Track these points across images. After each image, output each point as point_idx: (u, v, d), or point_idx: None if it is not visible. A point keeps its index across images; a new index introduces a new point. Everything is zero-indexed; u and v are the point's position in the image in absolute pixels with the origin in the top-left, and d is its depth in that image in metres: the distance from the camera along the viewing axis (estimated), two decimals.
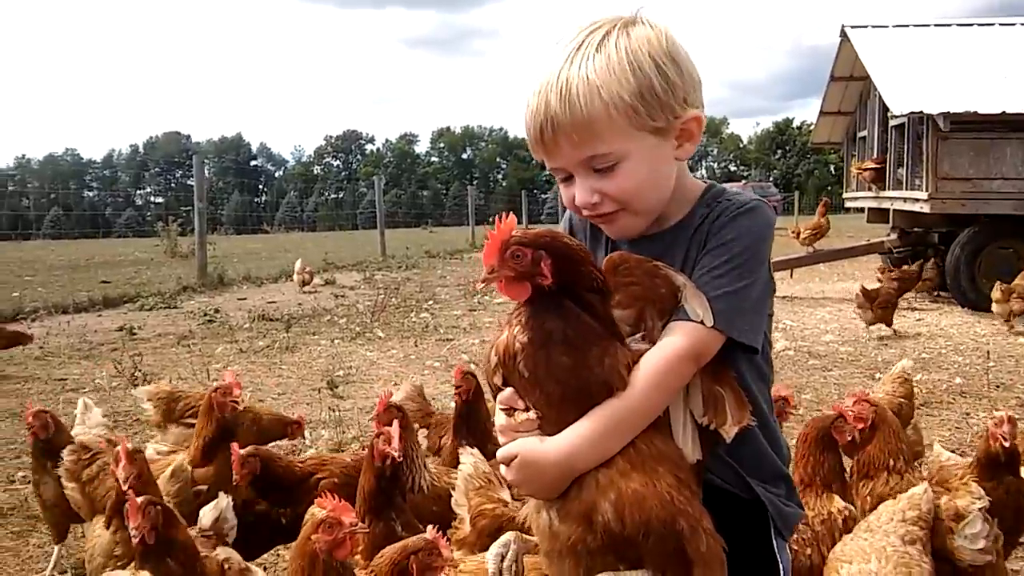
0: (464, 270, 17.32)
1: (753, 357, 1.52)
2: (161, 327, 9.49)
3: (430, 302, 11.52)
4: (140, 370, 5.38)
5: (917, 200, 10.21)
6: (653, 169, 1.54)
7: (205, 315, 10.14)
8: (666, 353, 1.39)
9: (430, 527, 2.24)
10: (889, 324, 8.27)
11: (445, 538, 2.23)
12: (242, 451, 2.92)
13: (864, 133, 13.07)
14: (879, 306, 8.21)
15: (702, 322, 1.40)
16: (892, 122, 11.37)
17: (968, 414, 5.19)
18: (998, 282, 8.80)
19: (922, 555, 2.38)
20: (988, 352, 6.91)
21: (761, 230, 1.52)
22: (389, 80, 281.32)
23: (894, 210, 11.42)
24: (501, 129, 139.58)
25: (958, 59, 11.28)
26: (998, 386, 5.78)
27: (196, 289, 13.20)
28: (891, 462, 2.80)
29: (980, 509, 2.50)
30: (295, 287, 13.55)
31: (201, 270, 14.14)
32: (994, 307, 8.56)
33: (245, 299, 12.32)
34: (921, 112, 9.71)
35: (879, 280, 9.99)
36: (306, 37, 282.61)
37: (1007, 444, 2.79)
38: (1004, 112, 9.45)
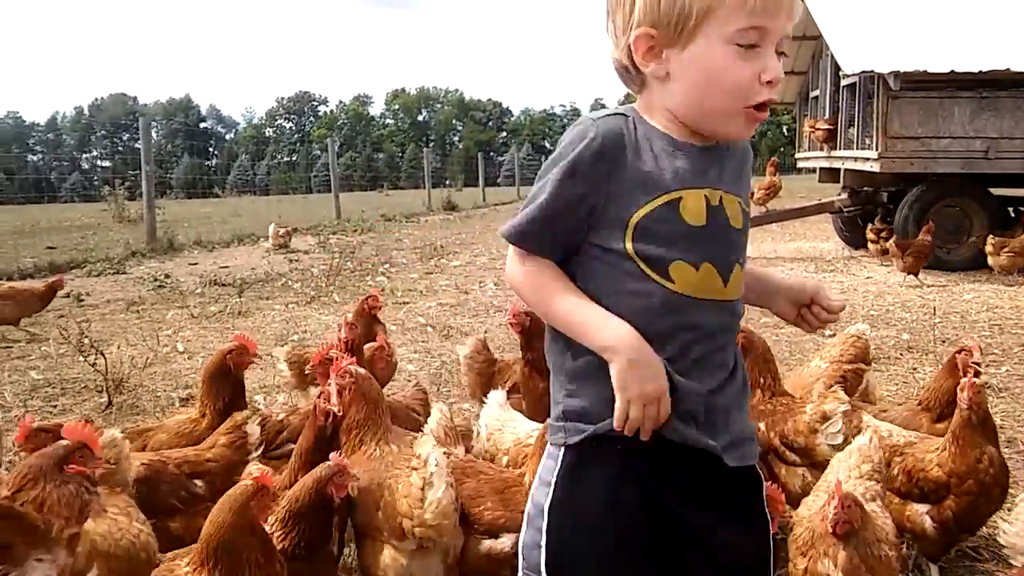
0: (421, 233, 17.21)
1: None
2: (110, 293, 9.30)
3: (386, 266, 11.44)
4: (88, 337, 5.25)
5: (867, 159, 10.33)
6: None
7: (155, 280, 9.94)
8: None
9: (333, 454, 2.44)
10: (916, 274, 8.90)
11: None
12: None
13: (816, 93, 13.16)
14: (911, 255, 8.82)
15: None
16: (844, 82, 11.46)
17: (915, 369, 5.31)
18: (990, 236, 9.07)
19: (884, 510, 2.47)
20: (934, 308, 7.06)
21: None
22: (342, 40, 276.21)
23: (845, 170, 11.57)
24: (457, 90, 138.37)
25: (908, 18, 11.36)
26: (944, 341, 5.92)
27: (145, 254, 12.94)
28: (760, 380, 3.16)
29: (842, 412, 2.88)
30: (259, 251, 13.33)
31: (150, 235, 13.84)
32: (989, 260, 9.12)
33: (196, 264, 12.11)
34: (872, 71, 9.79)
35: (870, 238, 10.63)
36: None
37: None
38: (953, 71, 9.57)
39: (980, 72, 9.48)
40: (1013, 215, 10.50)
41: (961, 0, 11.94)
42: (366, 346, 4.01)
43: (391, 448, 2.58)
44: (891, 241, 9.34)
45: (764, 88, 1.41)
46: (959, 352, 3.23)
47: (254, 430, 3.03)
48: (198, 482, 2.81)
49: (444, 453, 2.49)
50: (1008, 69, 9.42)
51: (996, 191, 10.49)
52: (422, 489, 2.33)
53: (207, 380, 3.32)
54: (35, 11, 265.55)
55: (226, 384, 3.29)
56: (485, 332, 6.71)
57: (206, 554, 2.05)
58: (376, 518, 2.43)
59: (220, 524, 2.07)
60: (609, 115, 1.52)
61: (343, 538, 2.63)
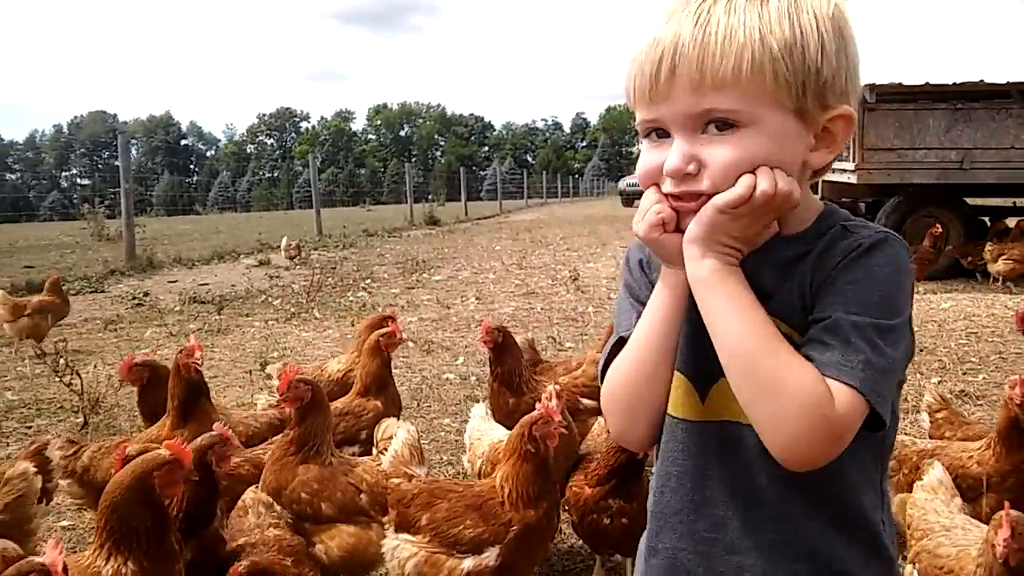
0: (403, 248, 17.19)
1: (875, 434, 1.16)
2: (87, 312, 9.21)
3: (367, 281, 11.40)
4: (64, 357, 5.20)
5: (845, 171, 10.43)
6: (776, 153, 1.18)
7: (134, 298, 9.86)
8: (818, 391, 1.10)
9: (216, 424, 2.65)
10: (919, 280, 8.99)
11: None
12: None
13: None
14: (915, 263, 8.72)
15: (849, 384, 1.09)
16: None
17: None
18: (988, 243, 9.16)
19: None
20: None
21: (906, 266, 1.19)
22: (324, 56, 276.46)
23: (823, 181, 11.67)
24: (439, 105, 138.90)
25: (883, 30, 11.51)
26: (921, 350, 5.96)
27: (124, 272, 12.83)
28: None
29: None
30: (240, 267, 13.25)
31: (129, 253, 13.74)
32: (988, 267, 9.23)
33: (176, 281, 12.02)
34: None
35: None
36: (237, 12, 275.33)
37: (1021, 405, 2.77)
38: (927, 83, 9.69)
39: (954, 84, 9.60)
40: (988, 224, 10.62)
41: (933, 13, 12.14)
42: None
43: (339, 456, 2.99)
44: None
45: (667, 178, 1.21)
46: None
47: (54, 455, 3.13)
48: None
49: (407, 473, 2.77)
50: (982, 80, 9.55)
51: (972, 201, 10.61)
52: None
53: (170, 383, 3.54)
54: (13, 28, 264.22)
55: (182, 383, 3.49)
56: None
57: (99, 517, 2.04)
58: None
59: (116, 484, 2.06)
60: None
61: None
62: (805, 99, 1.18)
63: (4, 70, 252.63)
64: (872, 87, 9.66)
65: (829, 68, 1.18)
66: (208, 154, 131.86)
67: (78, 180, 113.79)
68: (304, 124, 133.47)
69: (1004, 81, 9.46)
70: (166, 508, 2.14)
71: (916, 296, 8.62)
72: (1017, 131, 9.67)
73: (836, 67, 1.19)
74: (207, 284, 11.49)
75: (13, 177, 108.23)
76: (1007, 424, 2.78)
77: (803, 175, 1.24)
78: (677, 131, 1.19)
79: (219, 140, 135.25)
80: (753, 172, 1.15)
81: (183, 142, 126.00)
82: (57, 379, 5.23)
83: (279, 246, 15.18)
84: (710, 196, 1.17)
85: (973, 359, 5.79)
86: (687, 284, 1.22)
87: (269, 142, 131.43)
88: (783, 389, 1.10)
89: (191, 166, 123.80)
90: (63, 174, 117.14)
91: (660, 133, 1.23)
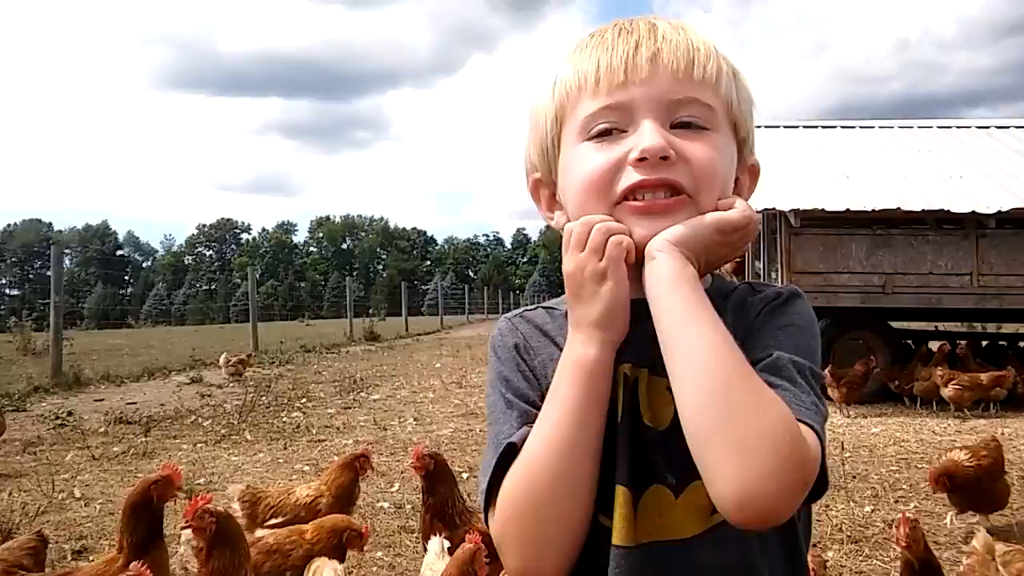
0: (341, 364, 16.98)
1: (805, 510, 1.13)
2: (7, 433, 8.78)
3: (303, 400, 11.18)
4: None
5: None
6: (728, 176, 1.12)
7: (57, 418, 9.46)
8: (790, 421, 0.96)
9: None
10: (850, 404, 9.39)
11: None
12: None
13: None
14: (845, 385, 9.31)
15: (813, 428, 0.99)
16: None
17: (828, 506, 5.36)
18: (938, 368, 9.40)
19: None
20: (843, 443, 7.23)
21: (813, 318, 1.14)
22: (267, 168, 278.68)
23: None
24: (382, 219, 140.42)
25: (805, 158, 12.15)
26: (854, 477, 6.03)
27: (49, 390, 12.36)
28: None
29: None
30: (171, 385, 12.89)
31: (55, 369, 13.28)
32: (941, 391, 9.28)
33: (103, 400, 11.61)
34: (774, 208, 10.32)
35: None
36: (181, 123, 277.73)
37: (909, 547, 2.80)
38: (848, 209, 10.17)
39: (873, 210, 10.10)
40: (913, 347, 10.98)
41: (850, 143, 12.90)
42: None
43: None
44: (826, 370, 9.55)
45: (631, 169, 1.06)
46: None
47: None
48: None
49: None
50: (899, 208, 10.07)
51: (896, 324, 10.99)
52: None
53: (126, 511, 3.19)
54: None
55: (144, 517, 3.15)
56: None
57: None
58: None
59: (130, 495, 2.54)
60: None
61: None
62: (747, 132, 1.16)
63: None
64: (796, 212, 10.09)
65: (752, 117, 1.19)
66: (144, 265, 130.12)
67: (7, 290, 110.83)
68: (245, 235, 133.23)
69: (920, 208, 9.97)
70: (160, 518, 2.46)
71: (847, 420, 8.83)
72: (934, 256, 10.16)
73: (753, 120, 1.19)
74: (135, 403, 11.11)
75: None
76: (903, 567, 2.80)
77: None
78: (648, 117, 1.06)
79: (157, 251, 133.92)
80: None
81: (119, 252, 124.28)
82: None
83: (214, 363, 14.87)
84: (689, 197, 1.06)
85: (904, 486, 5.87)
86: (607, 360, 1.04)
87: (208, 253, 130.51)
88: (761, 411, 0.92)
89: (126, 277, 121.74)
90: None
91: (609, 132, 1.08)
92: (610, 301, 1.03)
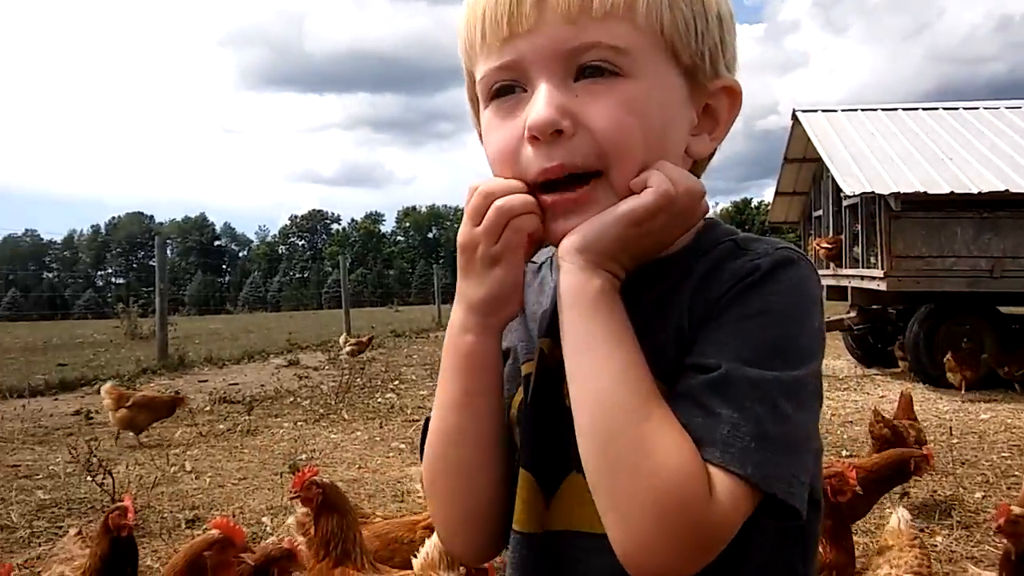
0: (430, 349, 17.24)
1: (790, 525, 0.84)
2: (120, 411, 9.26)
3: (396, 382, 11.43)
4: (96, 456, 5.23)
5: (874, 278, 10.43)
6: (666, 124, 0.90)
7: None
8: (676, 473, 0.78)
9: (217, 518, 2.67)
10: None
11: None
12: None
13: (819, 212, 13.43)
14: (969, 369, 9.12)
15: (724, 466, 0.79)
16: (845, 202, 11.71)
17: (935, 491, 5.21)
18: (950, 352, 9.10)
19: None
20: (951, 429, 6.98)
21: (814, 292, 0.89)
22: (355, 161, 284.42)
23: (852, 288, 11.67)
24: None
25: (905, 141, 11.72)
26: (963, 463, 5.83)
27: (156, 371, 12.96)
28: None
29: None
30: (269, 367, 13.36)
31: (161, 351, 13.91)
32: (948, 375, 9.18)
33: (206, 381, 12.11)
34: (872, 192, 10.00)
35: (898, 355, 10.84)
36: (272, 119, 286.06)
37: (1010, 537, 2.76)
38: (953, 192, 9.77)
39: (979, 193, 9.68)
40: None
41: (952, 125, 12.37)
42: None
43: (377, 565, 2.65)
44: (948, 356, 9.28)
45: (529, 149, 0.88)
46: None
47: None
48: None
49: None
50: (1007, 190, 9.62)
51: (1004, 309, 10.52)
52: None
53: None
54: (57, 133, 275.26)
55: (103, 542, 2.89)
56: None
57: None
58: None
59: (174, 563, 2.26)
60: None
61: None
62: (701, 54, 0.91)
63: (46, 171, 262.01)
64: (897, 196, 9.76)
65: (726, 24, 0.94)
66: (241, 254, 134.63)
67: (113, 279, 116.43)
68: (335, 226, 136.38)
69: None
70: None
71: (956, 406, 8.50)
72: None
73: (730, 27, 0.95)
74: (237, 384, 11.56)
75: (50, 275, 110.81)
76: (1003, 556, 2.72)
77: (684, 167, 0.93)
78: (544, 75, 0.87)
79: (252, 241, 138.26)
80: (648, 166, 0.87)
81: (216, 242, 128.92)
82: (89, 479, 5.25)
83: (309, 346, 15.31)
84: (599, 183, 0.87)
85: (1016, 473, 5.64)
86: (488, 345, 0.94)
87: (300, 243, 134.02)
88: (641, 466, 0.78)
89: (224, 266, 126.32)
90: (99, 273, 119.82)
91: (511, 89, 0.90)
92: (497, 289, 0.90)
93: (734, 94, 0.96)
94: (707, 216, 0.96)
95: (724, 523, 0.79)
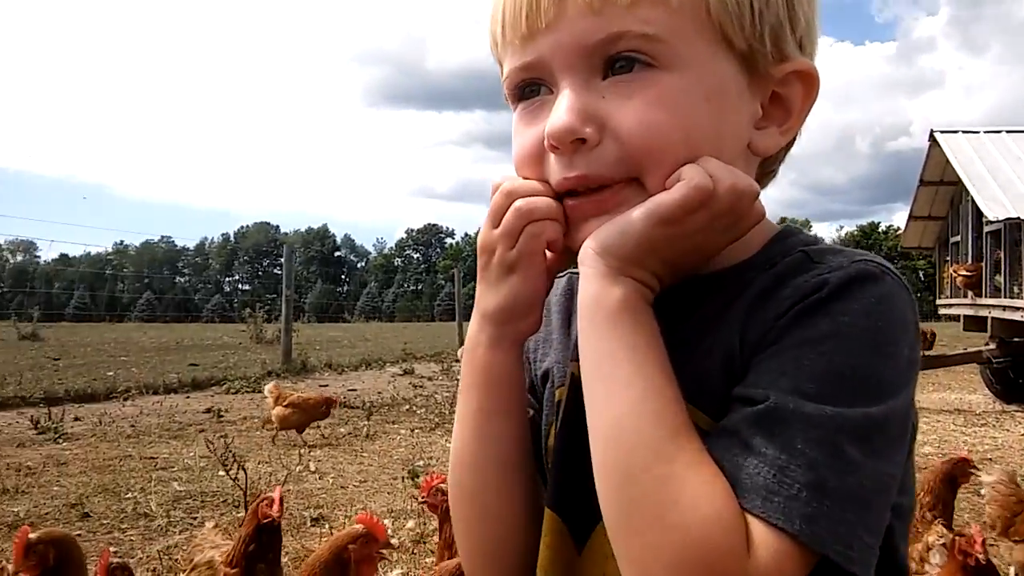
0: None
1: None
2: (246, 410, 9.68)
3: None
4: (232, 452, 5.46)
5: (1017, 308, 9.83)
6: (716, 120, 0.78)
7: None
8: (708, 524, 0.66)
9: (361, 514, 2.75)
10: None
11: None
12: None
13: (957, 238, 12.76)
14: None
15: (769, 522, 0.66)
16: (987, 228, 11.09)
17: None
18: None
19: None
20: None
21: (902, 316, 0.73)
22: (469, 177, 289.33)
23: (992, 318, 11.01)
24: None
25: None
26: None
27: (280, 374, 13.46)
28: None
29: (942, 544, 3.03)
30: (386, 375, 13.69)
31: (286, 356, 14.46)
32: None
33: (327, 385, 12.50)
34: (1018, 218, 9.44)
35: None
36: (391, 135, 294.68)
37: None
38: None
39: None
40: None
41: None
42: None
43: None
44: None
45: (551, 156, 0.80)
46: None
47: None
48: None
49: None
50: None
51: None
52: None
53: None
54: (198, 147, 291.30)
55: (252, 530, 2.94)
56: None
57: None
58: None
59: (318, 554, 2.36)
60: None
61: None
62: (760, 35, 0.78)
63: (180, 184, 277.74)
64: None
65: (786, 3, 0.80)
66: (359, 265, 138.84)
67: (239, 285, 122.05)
68: (448, 240, 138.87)
69: None
70: None
71: None
72: None
73: (794, 3, 0.81)
74: (355, 390, 11.87)
75: (182, 280, 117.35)
76: None
77: (747, 167, 0.81)
78: (567, 76, 0.78)
79: (369, 252, 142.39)
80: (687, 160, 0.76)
81: (337, 253, 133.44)
82: (222, 472, 5.47)
83: (424, 356, 15.58)
84: (628, 185, 0.77)
85: None
86: (503, 360, 0.85)
87: (415, 256, 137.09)
88: (663, 515, 0.66)
89: (342, 276, 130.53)
90: (227, 279, 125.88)
91: (537, 90, 0.82)
92: (511, 298, 0.83)
93: (809, 79, 0.82)
94: (786, 224, 0.85)
95: None
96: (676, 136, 0.75)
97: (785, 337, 0.71)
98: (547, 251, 0.82)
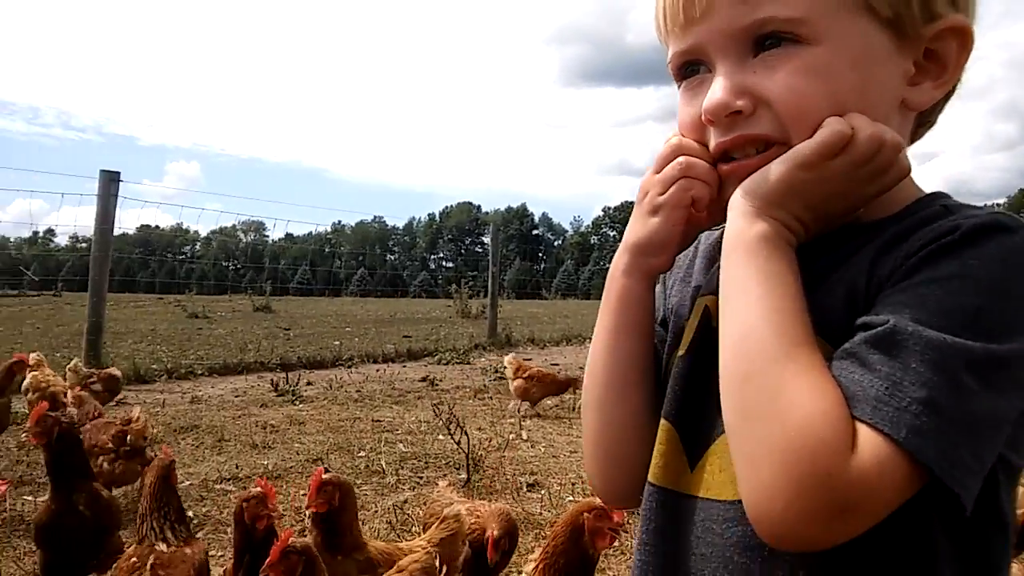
0: None
1: (949, 520, 0.74)
2: (458, 380, 10.18)
3: None
4: (455, 416, 5.80)
5: None
6: (863, 82, 0.83)
7: (496, 372, 10.71)
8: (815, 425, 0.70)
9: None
10: None
11: None
12: None
13: None
14: None
15: (883, 431, 0.68)
16: None
17: None
18: None
19: None
20: None
21: (1017, 270, 0.74)
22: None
23: None
24: None
25: None
26: None
27: (486, 347, 14.02)
28: None
29: None
30: (585, 350, 13.93)
31: (491, 330, 15.02)
32: None
33: (530, 359, 12.78)
34: None
35: None
36: (590, 113, 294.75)
37: None
38: None
39: None
40: None
41: None
42: None
43: None
44: None
45: (712, 130, 0.90)
46: None
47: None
48: None
49: None
50: None
51: None
52: None
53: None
54: (414, 134, 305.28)
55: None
56: None
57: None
58: None
59: (564, 519, 2.47)
60: None
61: None
62: (899, 6, 0.84)
63: (390, 170, 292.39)
64: None
65: None
66: (556, 244, 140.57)
67: (444, 263, 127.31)
68: None
69: None
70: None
71: None
72: None
73: None
74: (558, 364, 12.14)
75: (392, 257, 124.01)
76: None
77: (902, 122, 0.88)
78: (720, 58, 0.87)
79: (566, 231, 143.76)
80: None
81: (534, 231, 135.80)
82: (445, 435, 5.83)
83: None
84: (779, 149, 0.84)
85: None
86: (635, 286, 0.96)
87: (612, 234, 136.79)
88: (773, 407, 0.72)
89: (540, 254, 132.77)
90: (432, 257, 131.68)
91: (698, 69, 0.92)
92: (650, 235, 0.94)
93: (964, 33, 0.86)
94: (937, 191, 0.88)
95: (863, 485, 0.67)
96: (820, 101, 0.82)
97: (913, 275, 0.75)
98: (692, 207, 0.92)
